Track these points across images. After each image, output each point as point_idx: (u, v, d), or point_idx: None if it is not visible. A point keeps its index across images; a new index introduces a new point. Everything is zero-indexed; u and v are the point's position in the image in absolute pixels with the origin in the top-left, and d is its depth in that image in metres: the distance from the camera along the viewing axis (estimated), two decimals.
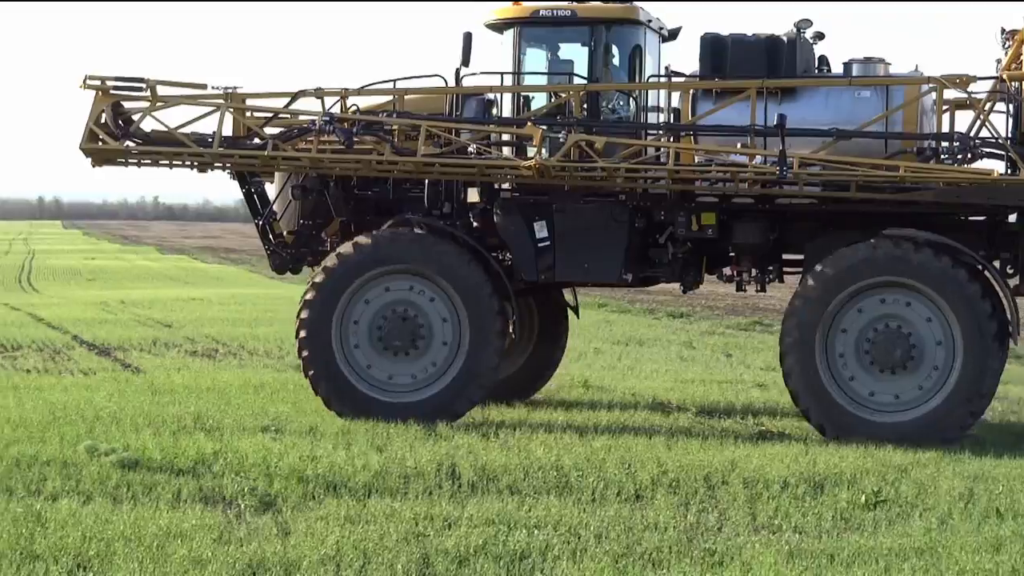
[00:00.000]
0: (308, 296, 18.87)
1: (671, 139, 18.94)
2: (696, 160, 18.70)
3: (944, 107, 18.55)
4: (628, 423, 18.97)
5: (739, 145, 18.36)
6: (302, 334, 18.87)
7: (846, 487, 14.48)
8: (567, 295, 21.50)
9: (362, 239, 18.86)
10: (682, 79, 19.35)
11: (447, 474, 14.77)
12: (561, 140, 18.59)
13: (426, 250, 18.76)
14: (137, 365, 25.00)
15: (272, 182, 20.54)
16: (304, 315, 18.86)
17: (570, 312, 21.72)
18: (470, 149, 19.21)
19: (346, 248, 18.89)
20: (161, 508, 12.90)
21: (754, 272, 19.32)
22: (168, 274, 64.72)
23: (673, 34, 20.48)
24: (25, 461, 14.65)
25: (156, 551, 11.23)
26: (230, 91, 19.62)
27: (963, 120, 18.42)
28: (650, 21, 19.68)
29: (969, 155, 18.12)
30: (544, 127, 18.64)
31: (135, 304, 41.45)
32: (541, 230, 19.04)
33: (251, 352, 27.80)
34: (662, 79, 19.63)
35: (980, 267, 18.01)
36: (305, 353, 18.88)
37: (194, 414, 18.44)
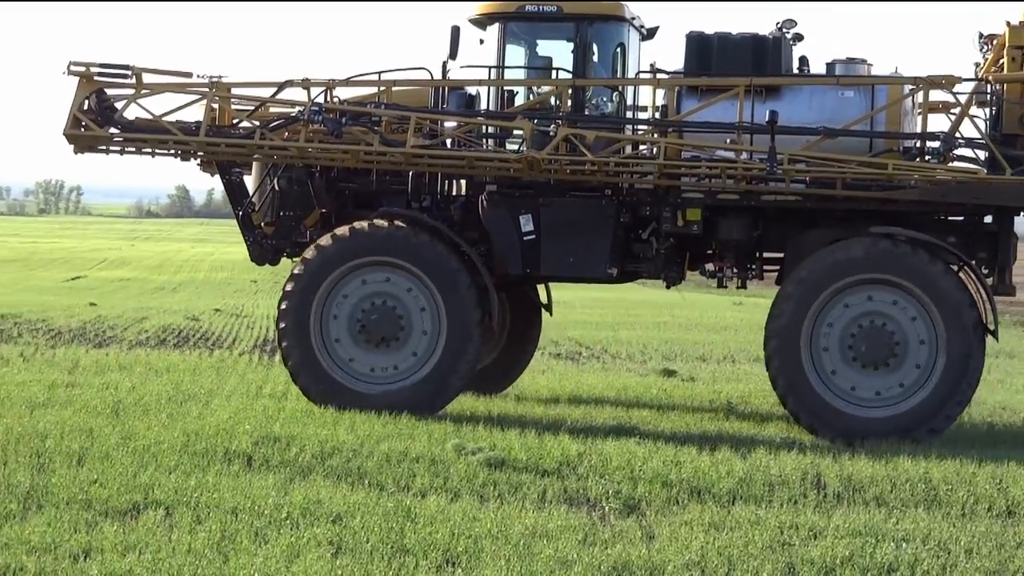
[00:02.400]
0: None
1: (660, 135, 18.84)
2: (684, 156, 18.68)
3: (919, 109, 18.92)
4: (999, 437, 18.44)
5: (728, 141, 18.39)
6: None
7: None
8: (541, 293, 21.46)
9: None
10: (667, 76, 19.28)
11: (812, 483, 14.56)
12: (550, 134, 18.53)
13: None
14: None
15: (250, 173, 20.46)
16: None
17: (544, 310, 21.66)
18: (448, 143, 19.11)
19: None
20: (527, 507, 12.99)
21: (735, 269, 19.32)
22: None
23: (651, 33, 20.44)
24: (395, 457, 14.90)
25: (522, 550, 11.29)
26: (216, 80, 19.53)
27: (937, 123, 18.94)
28: (633, 18, 19.68)
29: (950, 156, 18.33)
30: (534, 121, 18.56)
31: None
32: (527, 224, 19.01)
33: (614, 356, 27.96)
34: (649, 75, 19.57)
35: (960, 265, 18.16)
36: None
37: (558, 416, 18.61)
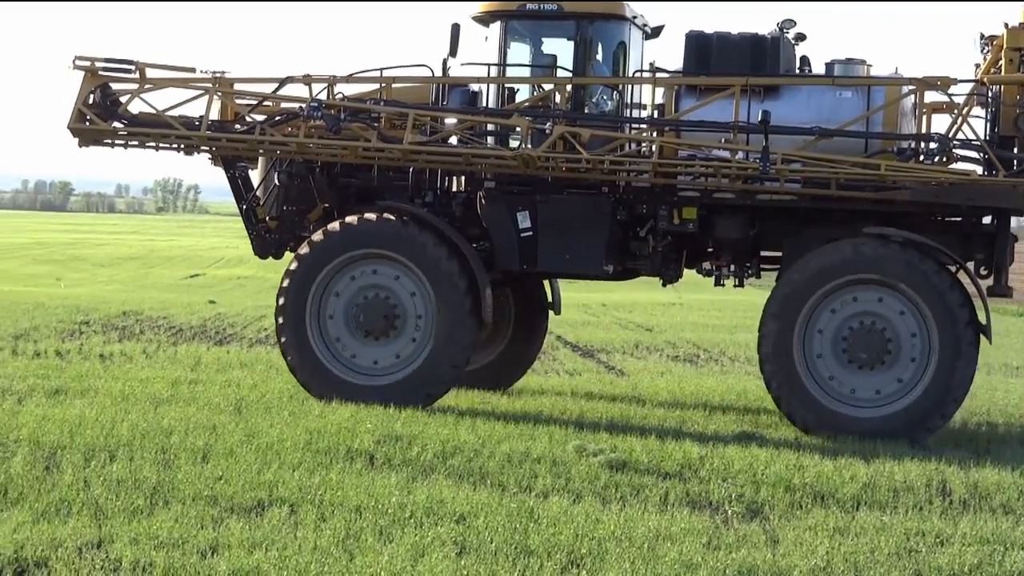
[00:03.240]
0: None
1: (655, 134, 18.85)
2: (680, 155, 18.71)
3: (924, 109, 19.17)
4: None
5: (722, 140, 18.40)
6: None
7: None
8: (548, 289, 21.63)
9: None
10: (667, 75, 19.34)
11: (937, 490, 14.43)
12: (547, 132, 18.53)
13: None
14: (620, 368, 25.35)
15: (255, 168, 20.61)
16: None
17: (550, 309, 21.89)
18: (452, 140, 19.17)
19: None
20: (649, 510, 12.96)
21: (733, 267, 19.39)
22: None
23: (656, 32, 20.49)
24: (516, 458, 14.90)
25: (647, 552, 11.25)
26: (219, 75, 19.70)
27: (941, 124, 18.13)
28: (635, 17, 19.67)
29: (947, 156, 18.25)
30: (530, 118, 18.62)
31: (616, 307, 42.09)
32: (524, 220, 19.12)
33: (732, 358, 27.85)
34: (647, 74, 19.65)
35: (955, 266, 18.06)
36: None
37: (678, 418, 18.54)
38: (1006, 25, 18.30)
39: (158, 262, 73.02)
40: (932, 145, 18.16)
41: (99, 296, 41.17)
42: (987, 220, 18.69)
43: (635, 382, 22.72)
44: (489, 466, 14.44)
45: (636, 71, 19.77)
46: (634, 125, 19.38)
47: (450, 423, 16.93)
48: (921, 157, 18.23)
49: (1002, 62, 18.27)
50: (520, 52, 19.78)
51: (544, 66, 19.58)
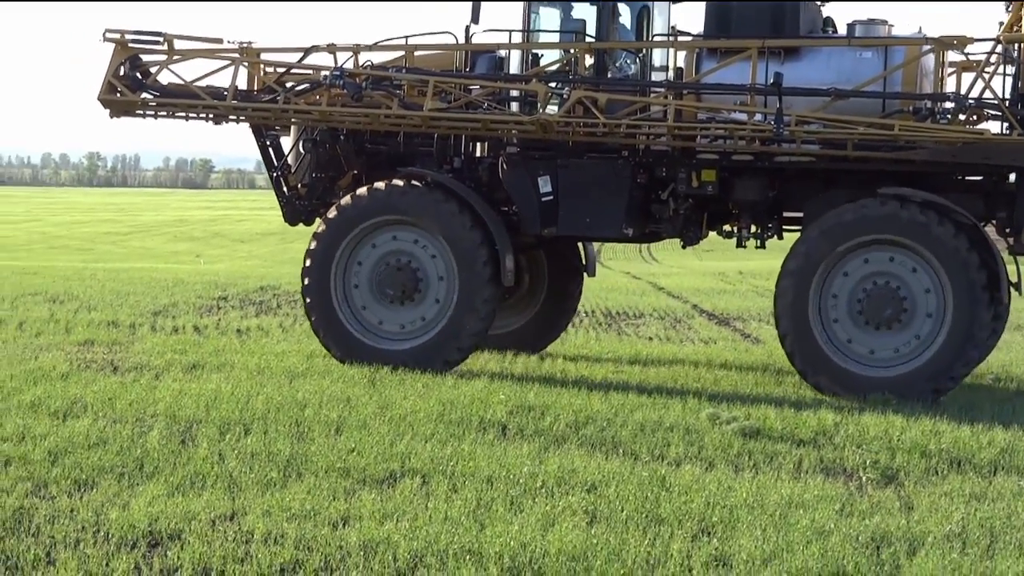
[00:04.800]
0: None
1: (672, 97, 18.71)
2: (697, 118, 18.67)
3: (951, 69, 19.07)
4: None
5: (737, 102, 18.31)
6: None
7: None
8: (582, 252, 21.70)
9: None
10: (686, 39, 19.42)
11: None
12: (565, 97, 18.56)
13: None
14: (756, 336, 25.19)
15: (289, 136, 20.81)
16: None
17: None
18: (483, 105, 19.15)
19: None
20: (783, 477, 12.87)
21: (754, 229, 19.40)
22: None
23: None
24: (649, 426, 14.90)
25: (779, 520, 11.18)
26: (245, 46, 19.94)
27: (968, 82, 18.28)
28: None
29: (968, 115, 18.08)
30: (549, 84, 18.60)
31: (753, 275, 41.84)
32: (545, 185, 19.24)
33: None
34: (667, 39, 19.72)
35: (972, 224, 17.73)
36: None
37: (811, 386, 18.38)
38: None
39: (296, 237, 73.55)
40: (948, 104, 17.95)
41: (238, 272, 41.66)
42: (1013, 178, 18.53)
43: (771, 350, 22.54)
44: (621, 435, 14.41)
45: (657, 35, 19.77)
46: (652, 89, 19.30)
47: (583, 393, 16.91)
48: (938, 116, 18.04)
49: (1023, 21, 18.05)
50: (548, 18, 19.91)
51: (571, 31, 19.69)
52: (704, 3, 19.01)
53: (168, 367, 18.54)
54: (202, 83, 20.07)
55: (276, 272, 41.22)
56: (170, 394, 15.90)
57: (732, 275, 42.27)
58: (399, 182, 19.26)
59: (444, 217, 19.00)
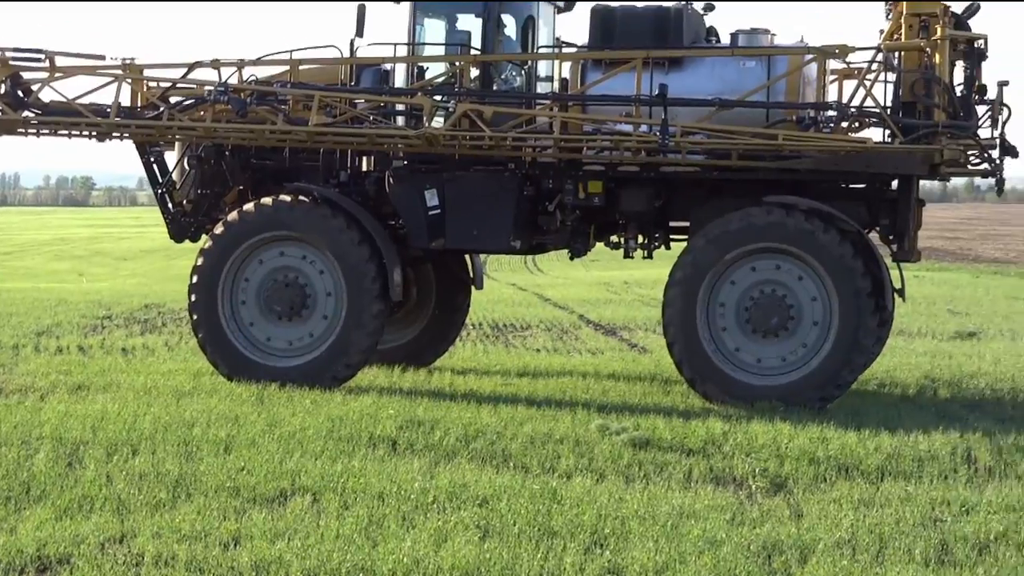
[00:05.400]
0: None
1: (558, 109, 18.81)
2: (583, 129, 18.76)
3: (833, 78, 19.34)
4: None
5: (623, 114, 18.41)
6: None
7: None
8: (469, 265, 21.79)
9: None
10: (571, 50, 19.54)
11: (963, 458, 14.44)
12: (451, 110, 18.64)
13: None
14: (643, 345, 25.31)
15: (173, 152, 20.80)
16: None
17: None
18: (368, 120, 19.17)
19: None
20: (673, 488, 12.94)
21: (641, 239, 19.48)
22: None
23: (569, 5, 20.60)
24: (539, 439, 14.89)
25: (671, 530, 11.23)
26: (128, 62, 19.83)
27: (850, 90, 18.51)
28: None
29: (850, 123, 18.28)
30: (434, 97, 18.70)
31: (637, 284, 42.04)
32: (432, 198, 19.30)
33: None
34: (552, 50, 19.83)
35: (856, 231, 17.97)
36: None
37: (700, 395, 18.48)
38: None
39: (180, 254, 72.86)
40: (831, 113, 18.18)
41: (121, 290, 41.23)
42: (895, 186, 18.74)
43: (658, 359, 22.66)
44: (512, 448, 14.43)
45: (544, 46, 19.87)
46: (538, 101, 19.37)
47: (472, 406, 16.91)
48: (821, 125, 18.22)
49: (903, 28, 18.26)
50: (433, 30, 19.94)
51: (456, 44, 19.69)
52: (589, 13, 19.09)
53: (53, 388, 18.31)
54: (85, 100, 19.87)
55: (160, 290, 40.84)
56: (56, 416, 15.69)
57: (617, 285, 42.44)
58: (286, 198, 19.19)
59: (332, 233, 18.94)
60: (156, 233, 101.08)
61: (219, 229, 19.33)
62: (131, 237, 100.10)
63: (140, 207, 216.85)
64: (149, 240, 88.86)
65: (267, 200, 19.25)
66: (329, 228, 18.96)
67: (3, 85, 19.85)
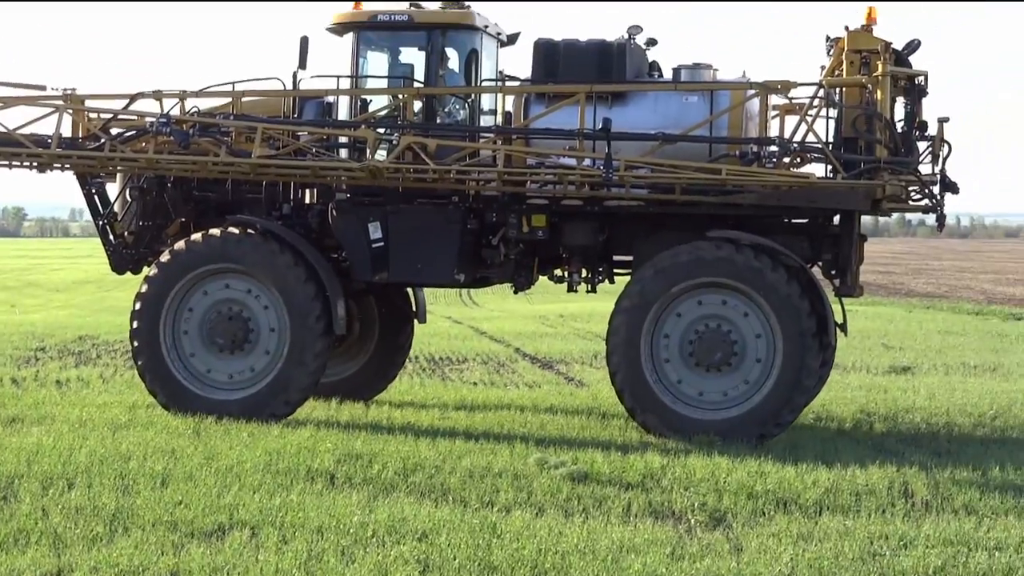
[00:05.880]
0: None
1: (502, 142, 18.95)
2: (527, 163, 18.85)
3: (774, 113, 19.50)
4: None
5: (567, 148, 18.51)
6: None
7: None
8: (412, 299, 21.75)
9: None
10: (514, 84, 19.67)
11: (900, 492, 14.48)
12: (394, 143, 18.65)
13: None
14: (580, 379, 25.32)
15: (115, 183, 20.73)
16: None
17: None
18: (311, 152, 19.17)
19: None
20: (612, 522, 12.93)
21: (585, 272, 19.56)
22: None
23: (512, 39, 20.68)
24: (478, 472, 14.86)
25: (611, 564, 11.22)
26: (69, 93, 19.77)
27: (792, 125, 18.64)
28: (486, 26, 19.79)
29: (792, 159, 18.38)
30: (377, 130, 18.73)
31: (574, 318, 42.06)
32: (375, 231, 19.33)
33: None
34: (495, 83, 19.87)
35: (800, 267, 18.09)
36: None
37: (638, 428, 18.51)
38: (846, 28, 18.45)
39: (114, 286, 72.40)
40: (773, 148, 18.29)
41: (55, 321, 40.89)
42: (837, 221, 18.85)
43: (595, 392, 22.69)
44: (450, 482, 14.39)
45: (486, 79, 19.89)
46: (482, 135, 19.42)
47: (410, 440, 16.86)
48: (764, 160, 18.33)
49: (844, 65, 18.39)
50: (375, 63, 19.91)
51: (399, 77, 19.73)
52: (532, 47, 19.13)
53: None
54: (25, 131, 19.69)
55: (95, 321, 40.51)
56: None
57: (553, 318, 42.44)
58: (235, 230, 19.13)
59: (279, 269, 18.89)
60: (89, 264, 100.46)
61: (165, 257, 19.27)
62: (64, 268, 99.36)
63: (72, 238, 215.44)
64: (82, 271, 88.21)
65: (215, 231, 19.17)
66: (276, 264, 18.91)
67: None
